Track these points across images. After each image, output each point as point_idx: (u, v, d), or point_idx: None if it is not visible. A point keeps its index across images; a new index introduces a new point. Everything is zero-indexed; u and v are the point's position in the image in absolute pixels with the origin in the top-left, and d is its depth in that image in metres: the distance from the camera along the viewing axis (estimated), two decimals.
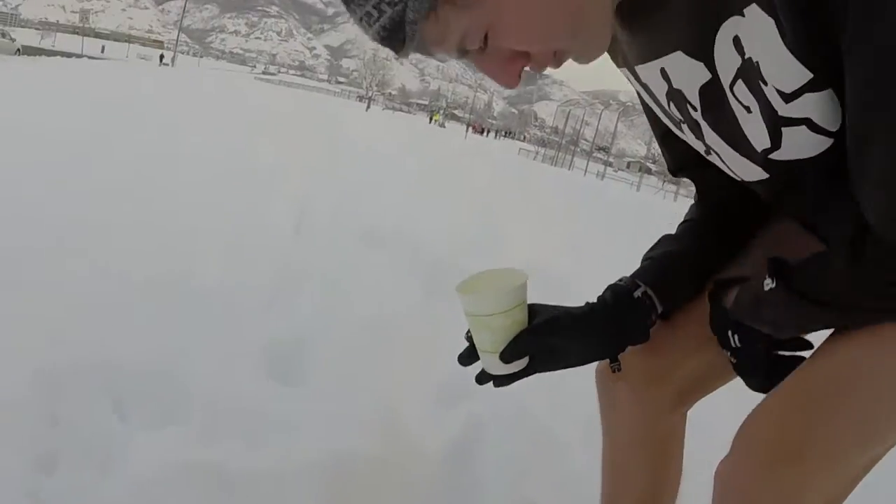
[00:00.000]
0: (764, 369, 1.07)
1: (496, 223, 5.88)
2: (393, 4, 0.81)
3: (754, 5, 0.82)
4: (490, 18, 0.84)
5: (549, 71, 0.99)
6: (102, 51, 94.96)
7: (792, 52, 0.82)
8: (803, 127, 0.88)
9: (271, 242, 3.50)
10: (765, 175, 1.00)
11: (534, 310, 1.15)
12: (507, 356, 1.11)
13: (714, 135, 1.02)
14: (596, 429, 2.13)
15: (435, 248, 4.10)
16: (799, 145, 0.91)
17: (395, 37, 0.84)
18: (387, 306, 3.00)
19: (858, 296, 0.88)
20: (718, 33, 0.88)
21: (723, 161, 1.05)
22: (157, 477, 1.61)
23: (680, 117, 1.07)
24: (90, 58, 43.06)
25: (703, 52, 0.93)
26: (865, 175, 0.81)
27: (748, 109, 0.92)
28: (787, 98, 0.86)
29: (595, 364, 1.34)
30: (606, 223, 9.19)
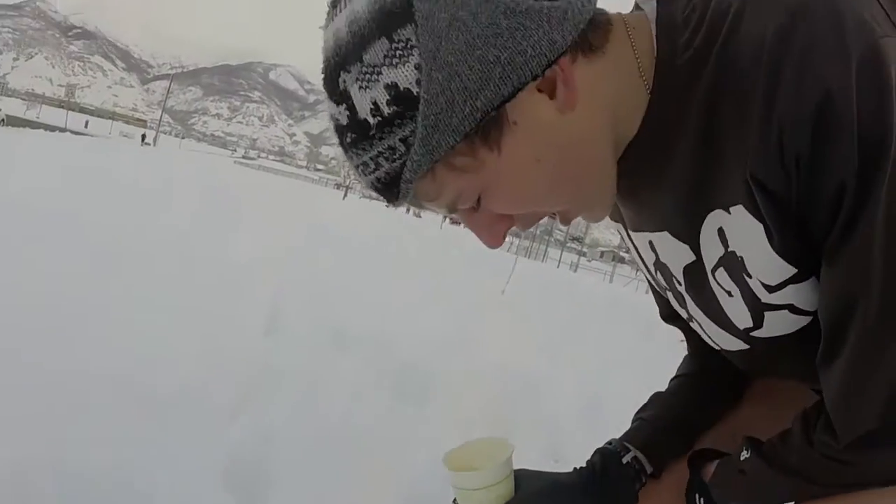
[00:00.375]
0: None
1: (469, 322, 5.87)
2: (391, 160, 0.81)
3: (741, 206, 0.83)
4: (486, 183, 0.85)
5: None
6: (86, 126, 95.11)
7: (778, 254, 0.83)
8: (785, 311, 0.89)
9: (241, 344, 3.45)
10: (745, 346, 1.00)
11: (521, 477, 1.15)
12: None
13: (697, 309, 1.03)
14: None
15: (406, 349, 4.08)
16: (781, 325, 0.92)
17: (390, 191, 0.84)
18: (356, 413, 2.97)
19: (813, 471, 0.87)
20: (705, 222, 0.90)
21: (703, 330, 1.06)
22: None
23: (666, 286, 1.09)
24: (73, 132, 43.22)
25: (689, 236, 0.94)
26: (829, 367, 0.82)
27: (729, 294, 0.93)
28: (771, 289, 0.88)
29: None
30: (579, 320, 9.20)
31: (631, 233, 1.09)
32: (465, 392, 3.78)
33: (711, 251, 0.92)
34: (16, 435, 2.00)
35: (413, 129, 0.79)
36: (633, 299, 18.60)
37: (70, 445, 2.03)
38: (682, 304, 1.06)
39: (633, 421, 1.25)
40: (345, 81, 0.81)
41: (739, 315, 0.94)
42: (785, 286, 0.86)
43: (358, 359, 3.76)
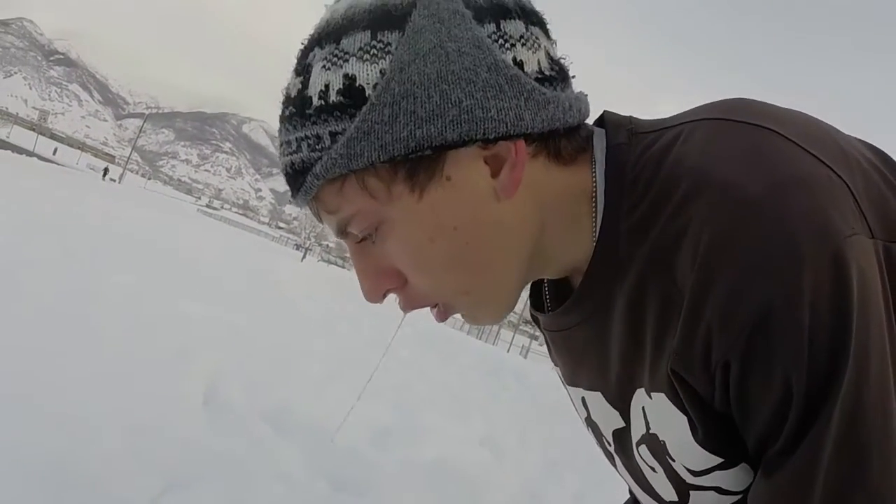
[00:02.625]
0: None
1: (412, 409, 5.77)
2: (312, 149, 0.77)
3: (663, 395, 0.79)
4: (389, 219, 0.79)
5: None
6: (54, 153, 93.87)
7: (702, 446, 0.79)
8: (712, 492, 0.85)
9: (175, 419, 3.33)
10: None
11: None
12: None
13: (626, 472, 0.99)
14: None
15: (346, 436, 3.98)
16: (708, 503, 0.87)
17: (296, 180, 0.80)
18: (291, 502, 2.87)
19: None
20: (633, 396, 0.86)
21: (633, 489, 1.03)
22: None
23: (597, 441, 1.05)
24: (40, 158, 42.66)
25: (620, 405, 0.90)
26: None
27: (653, 469, 0.90)
28: (696, 474, 0.83)
29: None
30: (527, 410, 9.15)
31: (566, 385, 1.04)
32: (403, 485, 3.70)
33: (636, 426, 0.88)
34: None
35: (346, 127, 0.75)
36: None
37: None
38: (613, 463, 1.03)
39: None
40: (314, 56, 0.78)
41: (664, 489, 0.91)
42: (711, 472, 0.82)
43: (296, 444, 3.65)
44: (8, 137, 75.80)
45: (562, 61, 0.84)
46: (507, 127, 0.76)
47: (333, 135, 0.75)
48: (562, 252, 0.87)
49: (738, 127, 0.75)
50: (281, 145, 0.81)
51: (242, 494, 2.77)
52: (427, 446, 4.67)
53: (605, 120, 0.88)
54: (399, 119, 0.74)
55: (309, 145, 0.77)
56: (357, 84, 0.75)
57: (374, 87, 0.74)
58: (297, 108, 0.78)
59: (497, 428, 6.75)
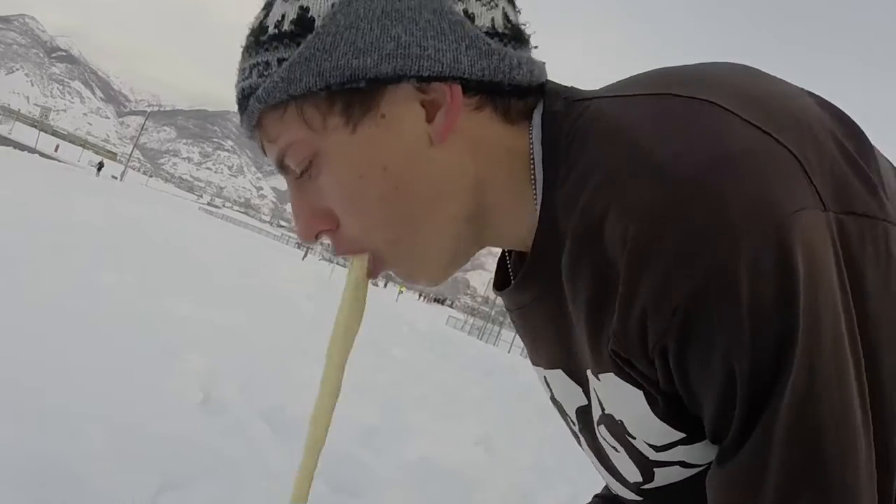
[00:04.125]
0: None
1: (404, 410, 5.78)
2: (259, 75, 0.78)
3: (612, 374, 0.77)
4: (323, 151, 0.79)
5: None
6: (56, 150, 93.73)
7: (662, 420, 0.76)
8: (676, 466, 0.83)
9: (171, 418, 3.36)
10: (638, 499, 0.94)
11: None
12: None
13: (591, 452, 0.98)
14: None
15: (338, 437, 4.00)
16: (672, 477, 0.85)
17: (244, 105, 0.81)
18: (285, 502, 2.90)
19: None
20: (587, 376, 0.85)
21: (599, 472, 1.01)
22: None
23: (563, 420, 1.04)
24: (42, 154, 42.47)
25: (581, 381, 0.88)
26: None
27: (615, 449, 0.88)
28: (658, 449, 0.80)
29: None
30: (522, 409, 9.13)
31: (532, 365, 1.02)
32: (399, 484, 3.73)
33: (595, 405, 0.86)
34: None
35: (291, 54, 0.76)
36: None
37: None
38: (579, 443, 1.01)
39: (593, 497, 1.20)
40: None
41: (628, 470, 0.88)
42: (674, 447, 0.79)
43: (290, 444, 3.69)
44: (9, 134, 75.72)
45: (521, 26, 0.84)
46: (442, 67, 0.76)
47: (280, 61, 0.77)
48: (506, 218, 0.85)
49: (670, 101, 0.73)
50: (238, 73, 0.83)
51: (238, 494, 2.80)
52: (420, 446, 4.69)
53: (544, 88, 0.86)
54: (339, 48, 0.75)
55: (258, 71, 0.78)
56: (309, 15, 0.76)
57: (322, 17, 0.76)
58: (255, 37, 0.80)
59: (491, 427, 6.78)
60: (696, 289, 0.63)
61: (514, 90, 0.81)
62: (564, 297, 0.80)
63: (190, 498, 2.67)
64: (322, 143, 0.79)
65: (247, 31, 0.82)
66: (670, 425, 0.76)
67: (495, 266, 1.01)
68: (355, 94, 0.77)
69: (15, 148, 33.34)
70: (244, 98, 0.81)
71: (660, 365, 0.69)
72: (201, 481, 2.82)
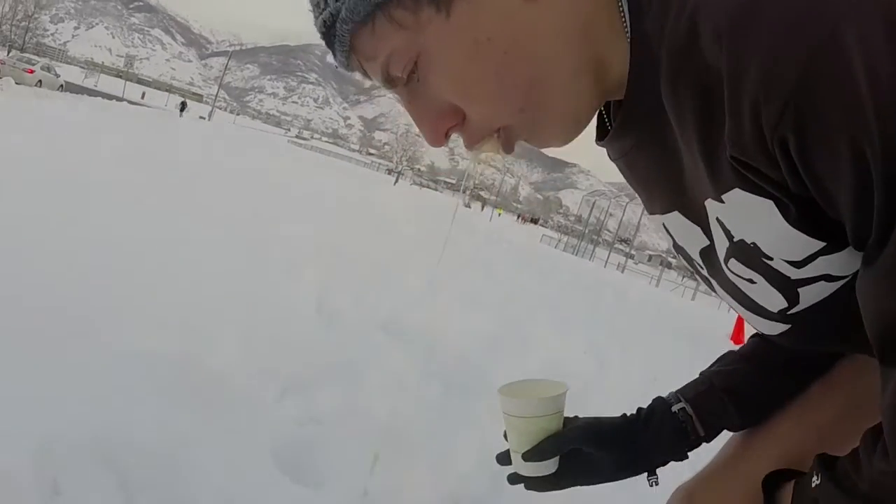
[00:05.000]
0: None
1: (517, 319, 5.83)
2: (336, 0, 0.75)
3: (737, 190, 0.71)
4: (424, 48, 0.76)
5: (552, 152, 0.88)
6: (143, 97, 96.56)
7: (798, 229, 0.71)
8: (821, 282, 0.77)
9: (290, 327, 3.45)
10: (786, 327, 0.89)
11: (570, 420, 1.15)
12: (529, 455, 1.11)
13: (725, 294, 0.93)
14: None
15: (455, 343, 4.05)
16: (819, 294, 0.80)
17: (330, 35, 0.78)
18: (405, 403, 2.95)
19: (885, 499, 0.71)
20: (706, 208, 0.80)
21: (738, 311, 0.95)
22: None
23: (690, 269, 0.99)
24: (130, 102, 43.73)
25: (699, 219, 0.83)
26: (886, 377, 0.66)
27: (751, 281, 0.82)
28: (799, 265, 0.75)
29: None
30: (627, 322, 9.11)
31: (649, 216, 0.98)
32: None
33: (719, 241, 0.81)
34: (67, 412, 2.01)
35: None
36: (679, 304, 18.40)
37: (121, 422, 2.04)
38: (711, 287, 0.96)
39: (699, 375, 1.18)
40: None
41: (769, 299, 0.83)
42: (815, 259, 0.73)
43: (407, 350, 3.74)
44: (96, 86, 78.11)
45: None
46: None
47: None
48: (614, 61, 0.80)
49: None
50: (313, 11, 0.80)
51: (358, 395, 2.85)
52: (533, 354, 4.72)
53: None
54: None
55: None
56: None
57: None
58: None
59: (598, 336, 6.75)
60: (805, 71, 0.58)
61: None
62: (668, 130, 0.77)
63: (314, 399, 2.73)
64: (421, 40, 0.75)
65: None
66: (807, 234, 0.71)
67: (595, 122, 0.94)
68: None
69: (104, 98, 34.25)
70: (329, 28, 0.78)
71: (784, 163, 0.64)
72: (323, 385, 2.89)
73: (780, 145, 0.62)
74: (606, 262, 47.84)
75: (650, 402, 1.18)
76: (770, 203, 0.70)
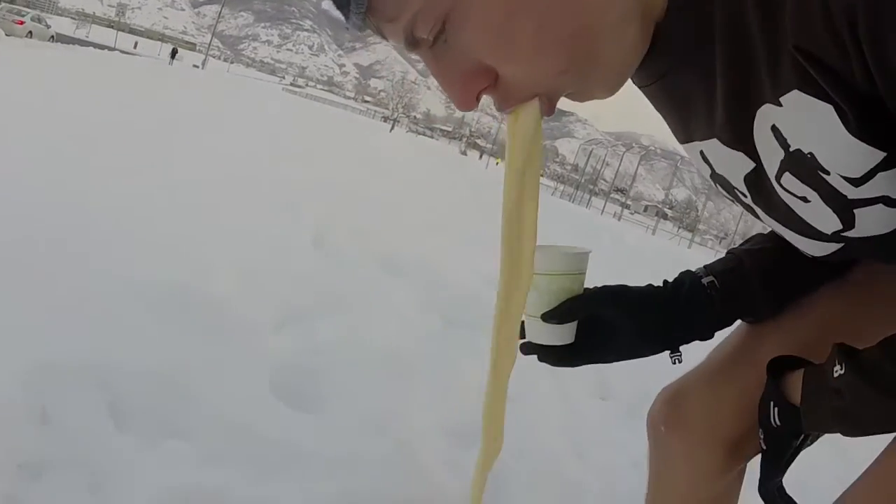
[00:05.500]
0: (786, 464, 0.93)
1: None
2: None
3: (796, 92, 0.66)
4: (453, 4, 0.69)
5: (567, 104, 0.84)
6: (135, 47, 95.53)
7: (858, 138, 0.66)
8: (879, 205, 0.74)
9: (289, 258, 3.41)
10: (839, 245, 0.86)
11: (591, 288, 1.07)
12: (549, 316, 1.03)
13: (772, 220, 0.89)
14: (623, 481, 2.04)
15: (455, 278, 4.01)
16: (877, 221, 0.76)
17: (346, 2, 0.70)
18: (405, 335, 2.91)
19: None
20: (755, 121, 0.74)
21: (790, 238, 0.92)
22: (151, 500, 1.52)
23: (731, 199, 0.94)
24: (122, 52, 43.27)
25: (742, 141, 0.78)
26: None
27: (804, 199, 0.78)
28: (857, 182, 0.71)
29: (649, 410, 1.24)
30: (624, 267, 9.11)
31: (683, 145, 0.92)
32: None
33: (771, 156, 0.76)
34: (65, 336, 1.96)
35: None
36: (676, 252, 18.47)
37: (114, 348, 1.99)
38: (756, 216, 0.92)
39: (727, 253, 1.14)
40: None
41: (824, 220, 0.79)
42: (874, 175, 0.69)
43: (407, 284, 3.70)
44: (87, 37, 77.15)
45: None
46: None
47: None
48: None
49: None
50: None
51: (358, 327, 2.82)
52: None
53: None
54: None
55: None
56: None
57: None
58: None
59: (597, 277, 6.73)
60: None
61: None
62: (710, 50, 0.71)
63: (314, 329, 2.69)
64: None
65: None
66: (867, 143, 0.65)
67: None
68: None
69: (96, 48, 33.78)
70: None
71: (853, 48, 0.58)
72: (323, 315, 2.85)
73: (849, 26, 0.57)
74: (603, 210, 47.93)
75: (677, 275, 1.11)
76: (830, 108, 0.65)
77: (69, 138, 4.80)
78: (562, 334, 1.05)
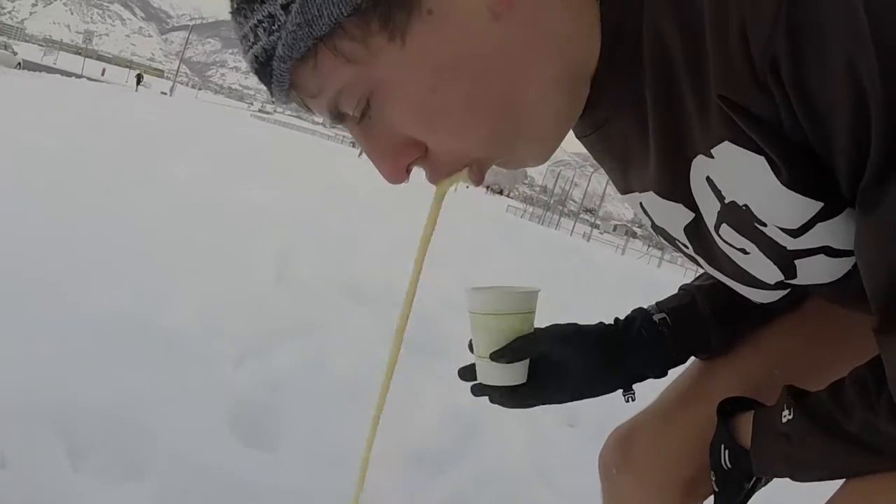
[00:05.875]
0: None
1: (483, 283, 5.79)
2: (269, 32, 0.65)
3: (727, 143, 0.65)
4: (378, 82, 0.67)
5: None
6: (102, 73, 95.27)
7: (792, 189, 0.64)
8: (821, 255, 0.72)
9: (250, 289, 3.38)
10: (784, 292, 0.85)
11: (545, 328, 1.06)
12: (498, 354, 1.02)
13: (714, 270, 0.88)
14: None
15: (419, 305, 3.99)
16: (820, 271, 0.75)
17: (265, 72, 0.69)
18: (365, 364, 2.89)
19: (881, 443, 0.68)
20: (690, 172, 0.73)
21: (734, 287, 0.90)
22: None
23: (672, 248, 0.93)
24: (89, 79, 42.99)
25: (679, 193, 0.77)
26: (887, 339, 0.62)
27: (743, 251, 0.77)
28: (795, 233, 0.69)
29: (600, 452, 1.24)
30: (592, 287, 9.12)
31: (622, 196, 0.92)
32: None
33: (708, 207, 0.75)
34: (20, 369, 1.94)
35: None
36: (645, 271, 18.58)
37: (74, 381, 1.97)
38: (700, 266, 0.91)
39: (679, 289, 1.14)
40: None
41: (765, 271, 0.78)
42: (813, 226, 0.67)
43: (368, 312, 3.68)
44: (55, 63, 76.67)
45: None
46: None
47: (285, 7, 0.64)
48: (589, 42, 0.72)
49: None
50: (241, 43, 0.70)
51: (318, 358, 2.79)
52: None
53: None
54: None
55: (265, 29, 0.66)
56: None
57: None
58: None
59: (565, 300, 6.74)
60: None
61: None
62: (644, 102, 0.70)
63: (274, 363, 2.67)
64: (374, 73, 0.67)
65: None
66: (802, 193, 0.64)
67: None
68: (391, 2, 0.63)
69: (63, 75, 33.58)
70: (263, 65, 0.68)
71: (777, 92, 0.57)
72: (283, 348, 2.82)
73: (771, 68, 0.56)
74: (572, 231, 48.12)
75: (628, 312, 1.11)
76: (762, 160, 0.64)
77: (24, 167, 4.74)
78: (513, 374, 1.03)
